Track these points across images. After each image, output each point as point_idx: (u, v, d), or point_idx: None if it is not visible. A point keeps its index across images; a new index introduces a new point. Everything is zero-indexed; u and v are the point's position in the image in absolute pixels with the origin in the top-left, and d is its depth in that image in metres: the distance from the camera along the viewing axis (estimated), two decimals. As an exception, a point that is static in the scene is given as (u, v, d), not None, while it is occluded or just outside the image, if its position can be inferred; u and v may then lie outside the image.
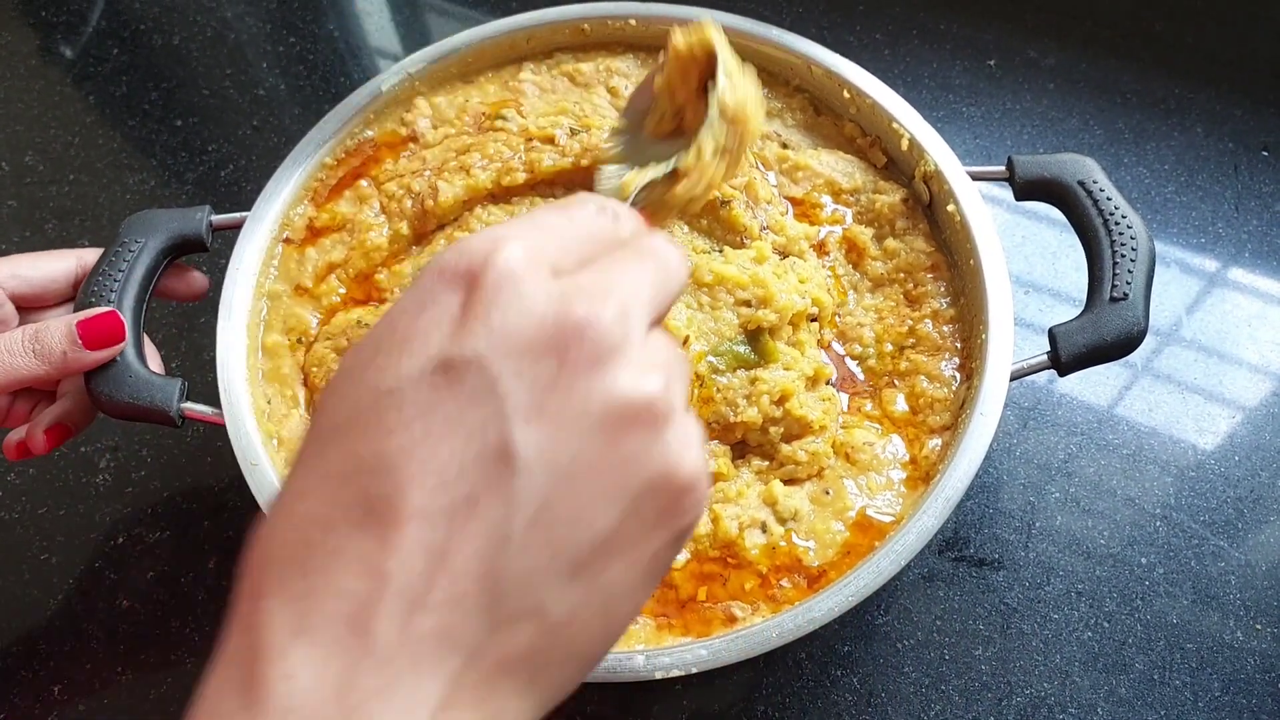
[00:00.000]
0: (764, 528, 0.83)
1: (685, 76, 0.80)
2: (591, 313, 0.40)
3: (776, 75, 1.06)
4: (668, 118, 0.82)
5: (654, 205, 0.76)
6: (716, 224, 0.95)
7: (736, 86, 0.76)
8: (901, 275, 0.95)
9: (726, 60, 0.77)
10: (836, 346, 0.93)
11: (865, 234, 0.96)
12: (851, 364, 0.93)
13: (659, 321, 0.45)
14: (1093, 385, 1.07)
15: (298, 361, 0.93)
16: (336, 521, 0.39)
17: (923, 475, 0.85)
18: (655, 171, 0.75)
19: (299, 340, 0.94)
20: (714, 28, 0.78)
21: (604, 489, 0.40)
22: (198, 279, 0.97)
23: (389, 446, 0.38)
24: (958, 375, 0.89)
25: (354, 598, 0.38)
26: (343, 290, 0.96)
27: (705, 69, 0.78)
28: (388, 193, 0.99)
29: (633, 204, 0.73)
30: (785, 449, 0.85)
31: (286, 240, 0.98)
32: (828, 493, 0.85)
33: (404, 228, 0.97)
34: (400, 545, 0.38)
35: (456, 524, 0.38)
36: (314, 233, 0.99)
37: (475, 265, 0.41)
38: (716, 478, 0.85)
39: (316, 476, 0.41)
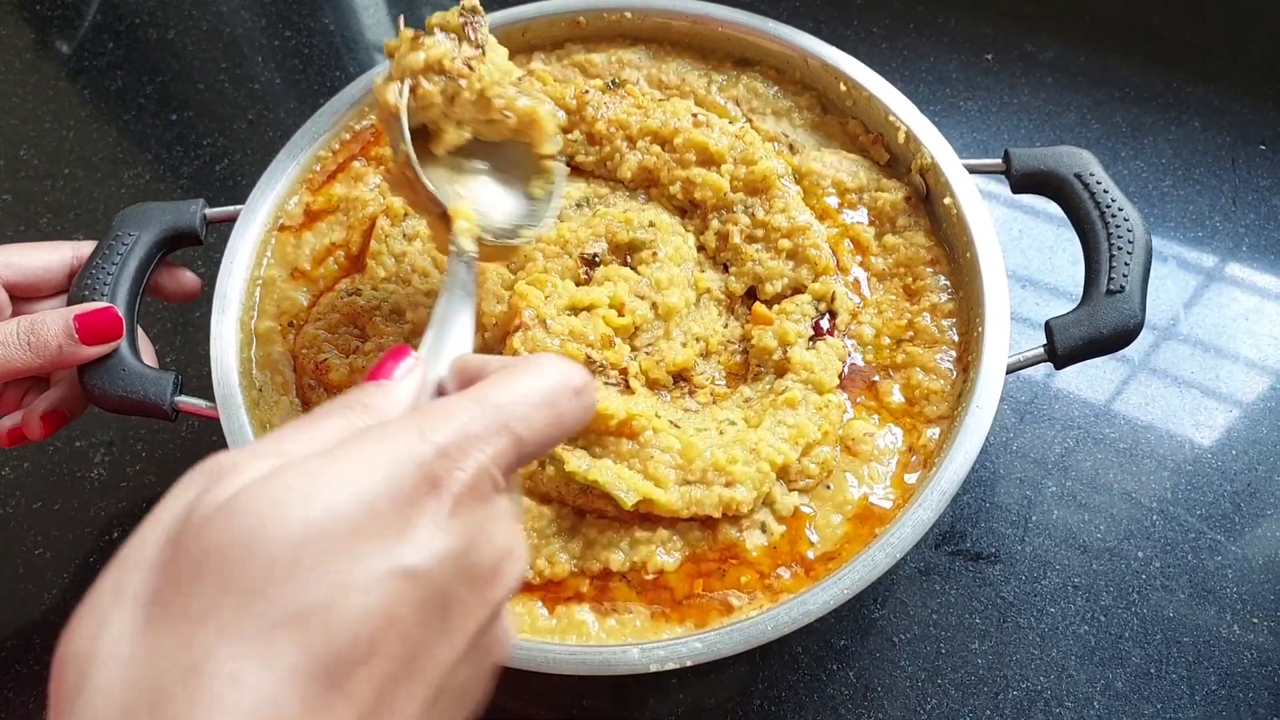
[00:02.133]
0: (764, 528, 0.83)
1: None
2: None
3: (785, 72, 1.06)
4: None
5: None
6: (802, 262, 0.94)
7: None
8: (901, 270, 0.95)
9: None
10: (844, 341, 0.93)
11: (868, 233, 0.96)
12: (851, 355, 0.92)
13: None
14: (1090, 380, 1.07)
15: (288, 346, 0.93)
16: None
17: (921, 463, 0.85)
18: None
19: (290, 324, 0.94)
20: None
21: None
22: (189, 279, 0.97)
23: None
24: (954, 368, 0.89)
25: None
26: (336, 270, 0.97)
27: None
28: (389, 156, 0.99)
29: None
30: (796, 465, 0.85)
31: (282, 227, 0.98)
32: (828, 487, 0.85)
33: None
34: None
35: None
36: (311, 217, 0.99)
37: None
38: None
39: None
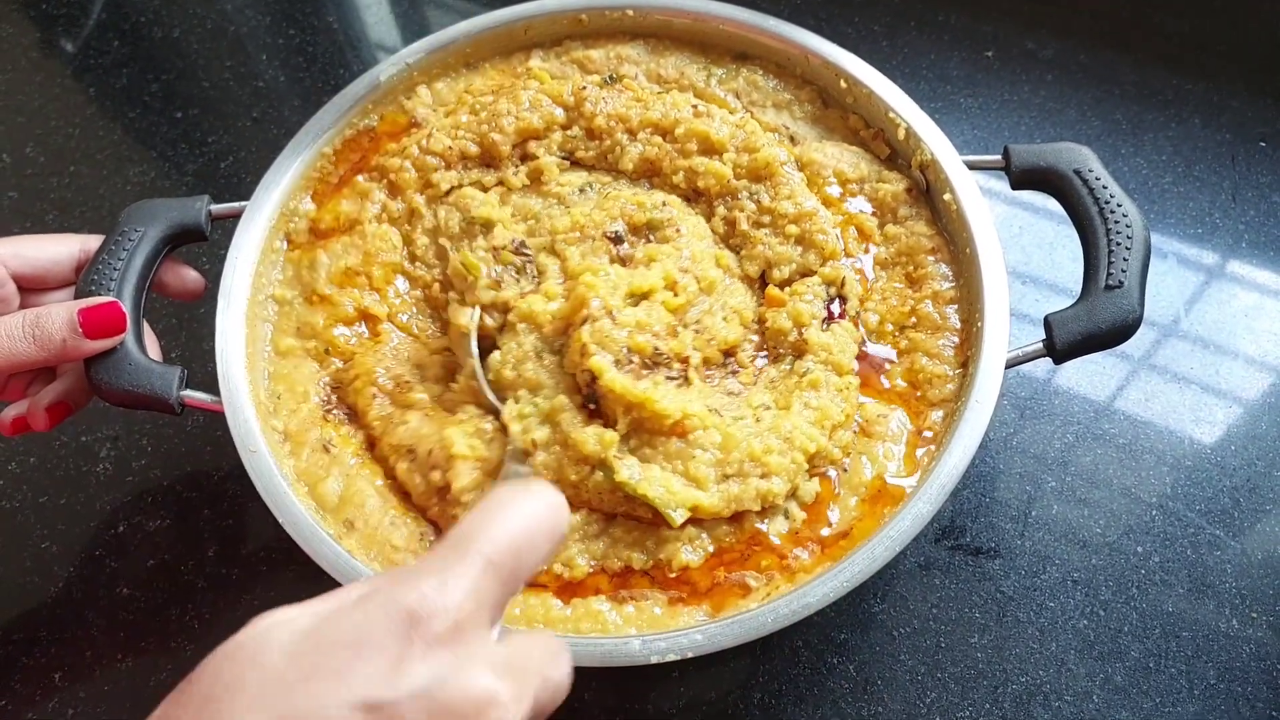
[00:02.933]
0: (787, 514, 0.84)
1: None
2: None
3: (785, 67, 1.06)
4: None
5: None
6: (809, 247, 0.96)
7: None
8: (903, 258, 0.95)
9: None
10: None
11: (871, 222, 0.97)
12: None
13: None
14: (1090, 377, 1.07)
15: (315, 369, 0.93)
16: None
17: (931, 440, 0.86)
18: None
19: (326, 351, 0.94)
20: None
21: None
22: (192, 277, 0.97)
23: None
24: (956, 353, 0.90)
25: None
26: (372, 297, 0.96)
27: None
28: (393, 168, 1.00)
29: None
30: (822, 442, 0.85)
31: (290, 242, 0.99)
32: (845, 469, 0.86)
33: (418, 200, 0.99)
34: None
35: None
36: (318, 234, 0.99)
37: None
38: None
39: None
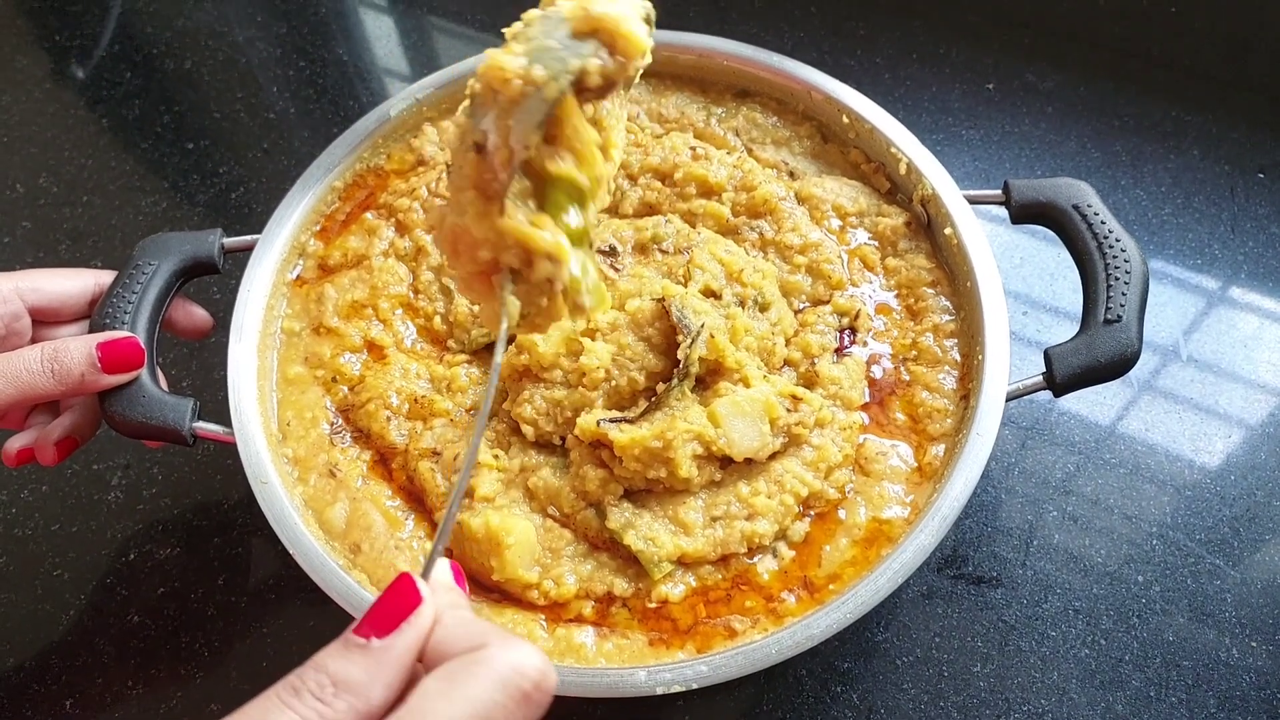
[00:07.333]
0: (775, 553, 0.85)
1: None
2: None
3: (785, 103, 1.08)
4: None
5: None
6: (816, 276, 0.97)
7: None
8: (903, 290, 0.97)
9: None
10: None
11: (874, 255, 0.99)
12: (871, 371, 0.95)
13: None
14: (1092, 404, 1.08)
15: (321, 394, 0.94)
16: None
17: (928, 478, 0.87)
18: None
19: (333, 379, 0.95)
20: None
21: None
22: (201, 316, 0.99)
23: None
24: (957, 388, 0.91)
25: None
26: (378, 328, 0.97)
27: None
28: (401, 208, 1.01)
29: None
30: (816, 486, 0.86)
31: (298, 280, 1.00)
32: (841, 511, 0.87)
33: (425, 240, 1.00)
34: None
35: None
36: (326, 271, 1.01)
37: None
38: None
39: None
